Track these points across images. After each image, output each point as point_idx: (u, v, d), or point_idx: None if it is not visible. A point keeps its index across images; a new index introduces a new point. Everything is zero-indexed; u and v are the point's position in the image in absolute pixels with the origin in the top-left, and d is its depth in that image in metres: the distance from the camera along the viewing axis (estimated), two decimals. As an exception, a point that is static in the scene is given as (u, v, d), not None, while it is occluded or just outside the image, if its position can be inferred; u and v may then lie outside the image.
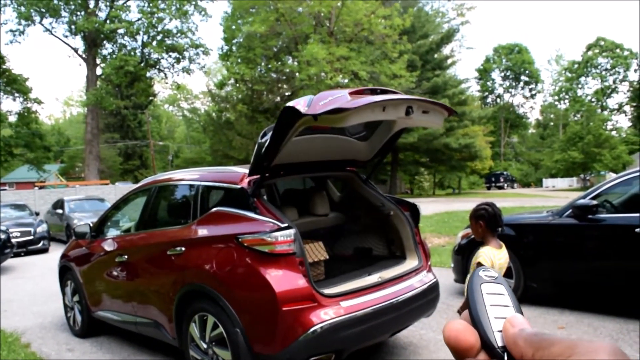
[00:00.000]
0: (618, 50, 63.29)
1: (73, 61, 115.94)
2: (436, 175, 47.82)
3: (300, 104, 3.07)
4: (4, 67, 29.83)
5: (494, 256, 3.05)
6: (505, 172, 57.31)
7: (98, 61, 33.10)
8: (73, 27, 31.43)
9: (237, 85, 37.05)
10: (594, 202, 5.24)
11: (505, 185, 53.82)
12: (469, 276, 0.55)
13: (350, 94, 3.12)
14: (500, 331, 0.48)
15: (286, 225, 3.46)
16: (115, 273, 5.07)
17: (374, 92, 3.42)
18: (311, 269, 3.72)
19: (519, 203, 21.99)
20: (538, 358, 0.42)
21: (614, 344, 0.44)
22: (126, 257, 4.87)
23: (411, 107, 3.28)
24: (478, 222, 3.14)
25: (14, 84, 30.28)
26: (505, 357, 0.46)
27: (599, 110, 61.98)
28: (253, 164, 3.72)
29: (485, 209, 3.12)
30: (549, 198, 27.20)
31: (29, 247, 13.79)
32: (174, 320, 4.16)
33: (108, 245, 5.30)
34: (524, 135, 75.45)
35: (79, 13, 31.59)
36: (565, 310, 5.48)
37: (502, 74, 71.49)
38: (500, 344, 0.47)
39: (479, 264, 3.01)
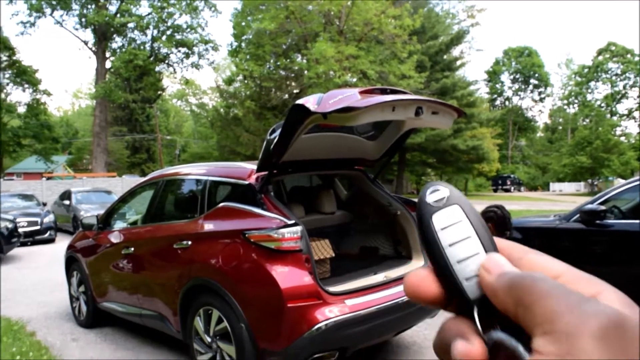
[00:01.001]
0: (629, 56, 62.81)
1: (83, 54, 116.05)
2: (443, 176, 47.66)
3: (310, 101, 3.06)
4: (14, 58, 30.03)
5: None
6: (512, 175, 57.09)
7: (108, 54, 33.22)
8: (83, 19, 31.54)
9: (246, 81, 37.05)
10: (602, 207, 5.21)
11: (512, 188, 53.65)
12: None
13: (360, 93, 3.11)
14: (472, 277, 0.38)
15: (293, 222, 3.46)
16: (121, 265, 5.09)
17: (384, 91, 3.40)
18: (317, 267, 3.73)
19: (525, 206, 21.93)
20: (521, 317, 0.33)
21: (624, 300, 0.34)
22: (132, 249, 4.90)
23: (421, 108, 3.26)
24: (487, 224, 3.13)
25: (24, 75, 30.49)
26: (476, 313, 0.37)
27: (608, 116, 61.66)
28: (261, 161, 3.72)
29: (494, 211, 3.12)
30: (556, 202, 27.10)
31: (36, 237, 13.87)
32: (178, 313, 4.18)
33: (115, 237, 5.32)
34: (532, 138, 75.11)
35: (89, 6, 31.68)
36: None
37: (512, 77, 71.15)
38: (472, 295, 0.38)
39: None
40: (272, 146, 3.51)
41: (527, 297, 0.33)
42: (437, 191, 0.41)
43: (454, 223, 0.39)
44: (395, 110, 3.16)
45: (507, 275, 0.36)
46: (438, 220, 0.40)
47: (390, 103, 3.08)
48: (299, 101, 3.11)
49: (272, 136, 3.55)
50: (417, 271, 0.40)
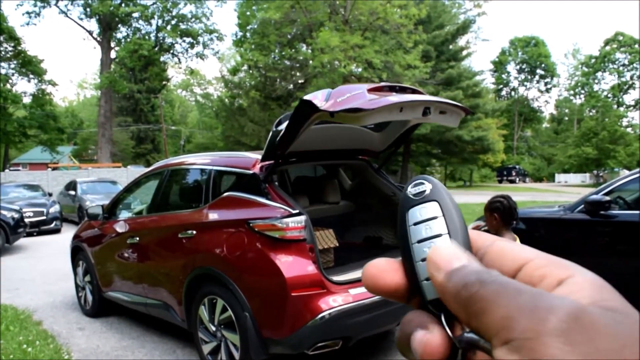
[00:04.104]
0: (637, 46, 62.25)
1: (88, 44, 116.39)
2: (448, 167, 47.61)
3: (318, 97, 3.05)
4: (19, 48, 30.03)
5: None
6: (517, 166, 56.95)
7: (112, 44, 33.20)
8: (88, 9, 31.49)
9: (251, 71, 36.98)
10: (607, 197, 5.20)
11: (517, 179, 53.53)
12: None
13: (369, 90, 3.10)
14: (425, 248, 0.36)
15: (297, 211, 3.47)
16: (126, 254, 5.12)
17: (392, 88, 3.40)
18: (321, 256, 3.74)
19: (530, 197, 21.89)
20: (475, 328, 0.31)
21: (595, 282, 0.32)
22: (138, 239, 4.92)
23: (428, 108, 3.27)
24: (493, 214, 3.13)
25: (29, 66, 30.51)
26: (443, 319, 0.34)
27: (615, 106, 61.26)
28: (266, 151, 3.73)
29: (500, 202, 3.10)
30: (561, 193, 27.03)
31: (42, 227, 13.94)
32: (183, 302, 4.20)
33: (120, 227, 5.35)
34: (537, 129, 74.78)
35: (94, -5, 31.65)
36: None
37: (518, 67, 70.73)
38: (429, 296, 0.36)
39: None
40: (277, 138, 3.51)
41: (476, 305, 0.30)
42: (420, 185, 0.39)
43: (427, 219, 0.37)
44: (403, 110, 3.16)
45: (456, 274, 0.33)
46: (412, 215, 0.38)
47: (398, 104, 3.07)
48: (307, 97, 3.10)
49: (278, 128, 3.55)
50: (376, 262, 0.38)
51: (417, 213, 0.38)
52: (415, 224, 0.37)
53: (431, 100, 3.29)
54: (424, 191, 0.38)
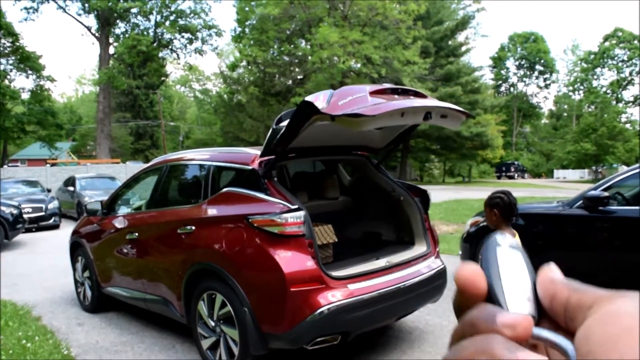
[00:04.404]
0: (636, 42, 62.17)
1: (86, 40, 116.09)
2: (446, 163, 47.65)
3: (320, 99, 3.06)
4: (17, 44, 29.95)
5: None
6: (516, 162, 56.96)
7: (111, 40, 33.07)
8: (86, 5, 31.34)
9: (249, 67, 36.95)
10: (605, 193, 5.20)
11: (516, 175, 53.55)
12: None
13: (371, 93, 3.11)
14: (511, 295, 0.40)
15: (296, 207, 3.48)
16: (125, 250, 5.13)
17: (395, 91, 3.41)
18: (320, 252, 3.75)
19: (529, 193, 21.91)
20: (574, 300, 0.35)
21: None
22: (137, 234, 4.92)
23: (430, 113, 3.28)
24: (493, 210, 3.12)
25: (27, 62, 30.45)
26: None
27: (614, 102, 61.24)
28: (265, 148, 3.73)
29: (500, 197, 3.10)
30: (560, 189, 27.05)
31: (41, 223, 13.93)
32: (182, 298, 4.21)
33: (119, 223, 5.35)
34: (536, 125, 74.76)
35: (92, -9, 31.52)
36: (572, 300, 5.46)
37: (517, 63, 70.65)
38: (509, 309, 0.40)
39: None
40: (277, 137, 3.52)
41: (584, 287, 0.36)
42: (505, 237, 0.44)
43: (513, 259, 0.42)
44: (404, 115, 3.17)
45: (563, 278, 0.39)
46: (501, 252, 0.42)
47: (400, 110, 3.08)
48: (309, 98, 3.11)
49: (278, 126, 3.55)
50: (470, 265, 0.41)
51: (505, 253, 0.42)
52: (502, 258, 0.41)
53: (432, 106, 3.30)
54: (512, 243, 0.43)
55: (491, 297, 0.40)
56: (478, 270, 0.41)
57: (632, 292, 0.34)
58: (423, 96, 3.58)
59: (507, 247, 0.43)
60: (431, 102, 3.44)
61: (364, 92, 3.11)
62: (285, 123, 3.45)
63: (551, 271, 0.41)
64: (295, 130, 3.35)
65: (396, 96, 3.38)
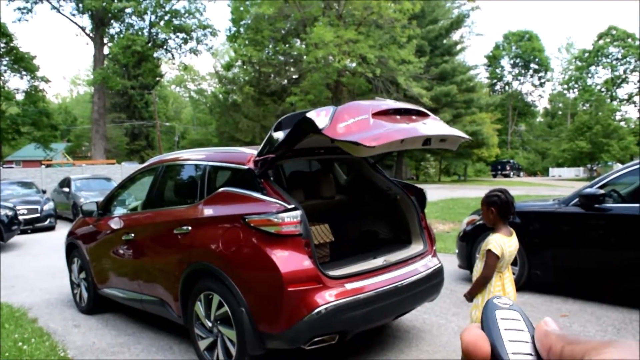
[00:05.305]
0: (630, 40, 62.45)
1: (80, 40, 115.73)
2: (442, 161, 47.68)
3: (322, 116, 3.06)
4: (11, 45, 29.79)
5: (504, 243, 3.02)
6: (511, 161, 57.12)
7: (105, 40, 32.95)
8: (80, 5, 31.22)
9: (245, 67, 36.93)
10: (601, 191, 5.23)
11: (512, 173, 53.73)
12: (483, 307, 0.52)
13: (374, 115, 3.12)
14: (514, 354, 0.45)
15: (293, 206, 3.47)
16: (121, 251, 5.11)
17: (397, 111, 3.40)
18: (317, 251, 3.74)
19: (524, 191, 21.95)
20: (567, 352, 0.40)
21: None
22: (133, 235, 4.90)
23: (429, 139, 3.30)
24: (490, 208, 3.12)
25: (21, 62, 30.26)
26: None
27: (609, 100, 61.46)
28: (260, 154, 3.73)
29: (498, 196, 3.10)
30: (555, 187, 27.14)
31: (36, 225, 13.88)
32: (179, 298, 4.19)
33: (115, 224, 5.33)
34: (531, 123, 74.97)
35: (86, -9, 31.39)
36: (568, 298, 5.48)
37: (512, 62, 70.77)
38: None
39: (489, 251, 3.00)
40: (273, 146, 3.53)
41: (577, 339, 0.41)
42: (502, 299, 0.51)
43: (513, 319, 0.48)
44: (403, 142, 3.18)
45: (558, 330, 0.44)
46: (500, 314, 0.48)
47: (400, 138, 3.10)
48: (310, 114, 3.10)
49: (276, 133, 3.53)
50: (473, 329, 0.47)
51: (504, 314, 0.48)
52: (503, 319, 0.47)
53: (432, 134, 3.31)
54: (510, 303, 0.50)
55: (495, 357, 0.45)
56: (480, 334, 0.47)
57: (621, 340, 0.39)
58: (425, 115, 3.58)
59: (505, 307, 0.49)
60: (431, 127, 3.43)
61: (366, 113, 3.12)
62: (283, 132, 3.43)
63: (546, 325, 0.45)
64: (292, 144, 3.39)
65: (398, 117, 3.37)
